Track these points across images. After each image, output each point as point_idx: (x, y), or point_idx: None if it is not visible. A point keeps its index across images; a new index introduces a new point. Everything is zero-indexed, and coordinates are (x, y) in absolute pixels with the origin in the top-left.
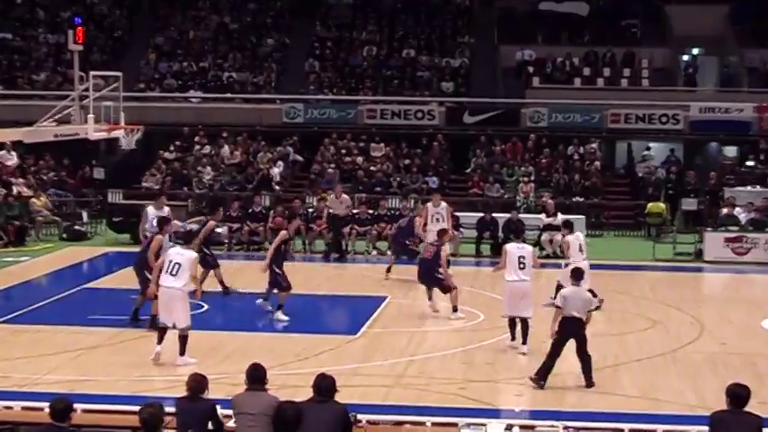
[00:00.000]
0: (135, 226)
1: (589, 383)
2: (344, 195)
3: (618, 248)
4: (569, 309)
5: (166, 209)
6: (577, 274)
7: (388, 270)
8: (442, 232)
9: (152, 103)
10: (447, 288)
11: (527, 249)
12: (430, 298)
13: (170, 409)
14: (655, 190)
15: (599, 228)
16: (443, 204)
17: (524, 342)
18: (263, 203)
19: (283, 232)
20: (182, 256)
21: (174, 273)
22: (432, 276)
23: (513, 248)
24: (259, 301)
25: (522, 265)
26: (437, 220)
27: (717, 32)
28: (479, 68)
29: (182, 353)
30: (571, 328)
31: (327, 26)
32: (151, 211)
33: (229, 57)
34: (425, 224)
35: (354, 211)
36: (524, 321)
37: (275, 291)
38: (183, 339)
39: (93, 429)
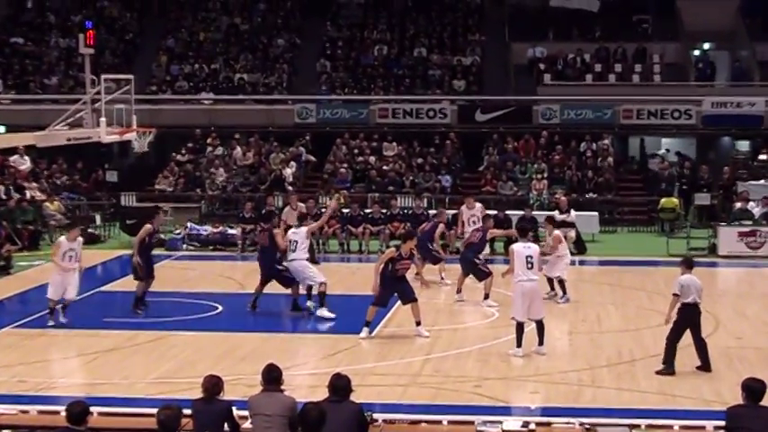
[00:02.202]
0: None
1: (707, 368)
2: (300, 203)
3: (631, 244)
4: (688, 295)
5: (79, 239)
6: (689, 263)
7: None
8: (486, 217)
9: (164, 105)
10: (483, 275)
11: (533, 248)
12: (459, 291)
13: (186, 410)
14: (668, 185)
15: (612, 224)
16: (478, 206)
17: (541, 343)
18: (276, 204)
19: (391, 249)
20: (296, 234)
21: (294, 249)
22: (471, 262)
23: (519, 248)
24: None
25: (530, 265)
26: (473, 222)
27: (728, 26)
28: (491, 66)
29: (321, 305)
30: (692, 314)
31: (338, 26)
32: (64, 242)
33: (240, 58)
34: (462, 227)
35: (367, 211)
36: (539, 322)
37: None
38: (322, 294)
39: None
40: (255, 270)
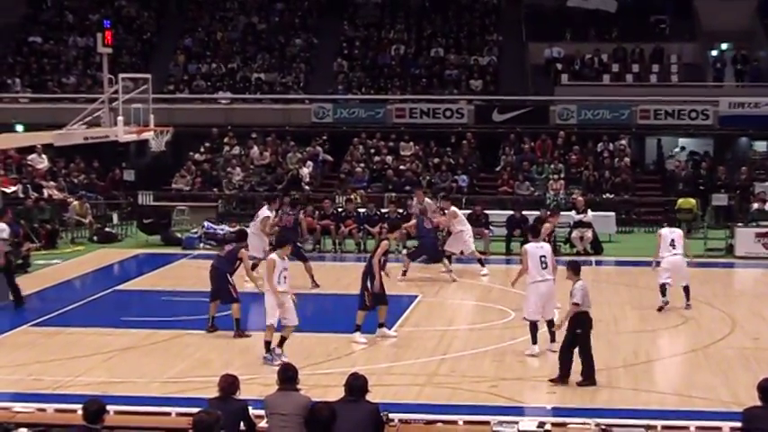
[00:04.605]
0: (166, 227)
1: (592, 381)
2: (427, 200)
3: (649, 245)
4: (587, 303)
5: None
6: (578, 268)
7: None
8: (554, 211)
9: (181, 104)
10: None
11: (546, 248)
12: None
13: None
14: (685, 185)
15: (629, 224)
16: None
17: (553, 340)
18: None
19: (385, 242)
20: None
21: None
22: None
23: (532, 248)
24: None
25: (544, 265)
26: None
27: (746, 27)
28: (508, 66)
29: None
30: (586, 322)
31: (355, 25)
32: (278, 260)
33: (258, 57)
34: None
35: (384, 210)
36: (550, 322)
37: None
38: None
39: (126, 431)
40: None
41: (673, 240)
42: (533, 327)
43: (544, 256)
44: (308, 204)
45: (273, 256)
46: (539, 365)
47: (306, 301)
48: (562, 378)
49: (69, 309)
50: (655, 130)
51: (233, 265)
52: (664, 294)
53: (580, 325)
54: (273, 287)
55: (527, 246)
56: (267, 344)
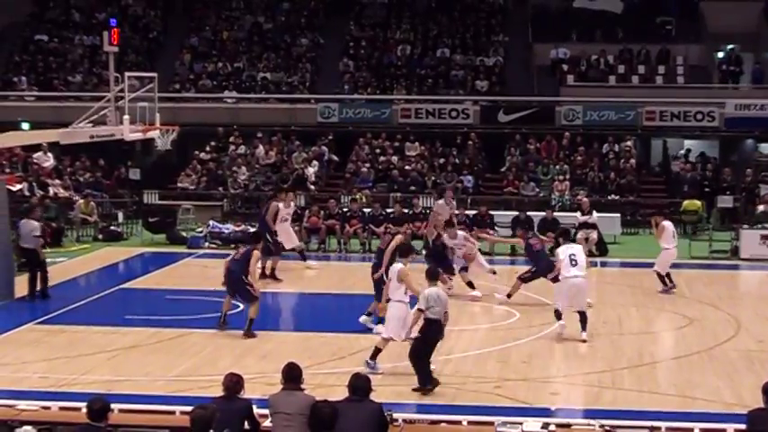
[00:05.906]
0: (171, 226)
1: (424, 389)
2: (453, 202)
3: (653, 246)
4: (434, 310)
5: None
6: (432, 274)
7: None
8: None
9: (187, 103)
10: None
11: (577, 248)
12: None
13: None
14: (690, 187)
15: (634, 226)
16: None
17: (585, 329)
18: (297, 203)
19: (399, 236)
20: None
21: None
22: None
23: (562, 249)
24: (362, 318)
25: (573, 263)
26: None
27: (752, 29)
28: (514, 67)
29: None
30: (436, 330)
31: (361, 25)
32: (404, 269)
33: (263, 57)
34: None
35: (389, 210)
36: (582, 313)
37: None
38: None
39: (131, 429)
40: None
41: (673, 233)
42: (557, 313)
43: (573, 254)
44: (312, 204)
45: (398, 265)
46: (543, 366)
47: (310, 301)
48: (427, 388)
49: (74, 307)
50: (660, 131)
51: (247, 267)
52: (670, 279)
53: (423, 330)
54: (393, 298)
55: (559, 248)
56: (377, 351)
